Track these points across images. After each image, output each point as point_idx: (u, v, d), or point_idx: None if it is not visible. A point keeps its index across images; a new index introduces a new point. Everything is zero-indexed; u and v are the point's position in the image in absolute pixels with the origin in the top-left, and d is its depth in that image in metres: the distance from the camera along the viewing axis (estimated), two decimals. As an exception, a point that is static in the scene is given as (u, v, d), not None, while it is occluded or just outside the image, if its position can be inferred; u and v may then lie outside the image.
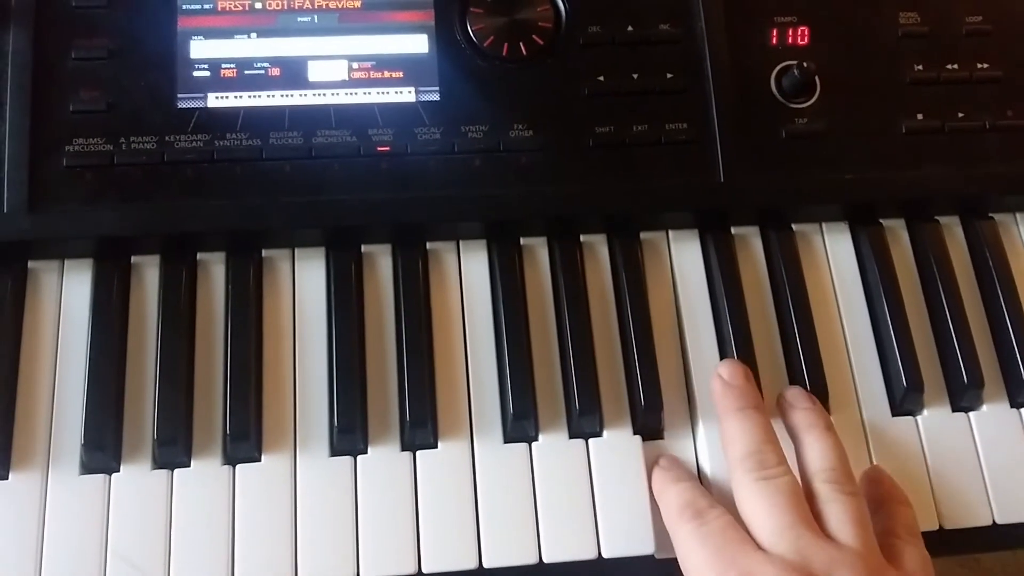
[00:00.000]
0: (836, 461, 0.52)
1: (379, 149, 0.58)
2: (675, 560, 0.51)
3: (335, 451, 0.54)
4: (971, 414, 0.58)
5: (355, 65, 0.59)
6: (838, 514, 0.49)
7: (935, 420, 0.58)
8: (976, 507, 0.56)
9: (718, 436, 0.55)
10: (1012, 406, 0.59)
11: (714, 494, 0.53)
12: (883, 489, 0.54)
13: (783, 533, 0.48)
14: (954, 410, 0.59)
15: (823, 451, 0.52)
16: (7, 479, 0.52)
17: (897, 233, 0.63)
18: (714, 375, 0.56)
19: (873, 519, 0.51)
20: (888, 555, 0.49)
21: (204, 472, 0.53)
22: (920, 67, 0.63)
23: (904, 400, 0.58)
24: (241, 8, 0.59)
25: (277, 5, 0.59)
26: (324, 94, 0.58)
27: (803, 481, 0.52)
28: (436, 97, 0.59)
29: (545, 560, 0.53)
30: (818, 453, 0.52)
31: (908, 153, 0.61)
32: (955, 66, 0.63)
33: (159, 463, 0.53)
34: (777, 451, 0.52)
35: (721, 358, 0.58)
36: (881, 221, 0.63)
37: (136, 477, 0.53)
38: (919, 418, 0.58)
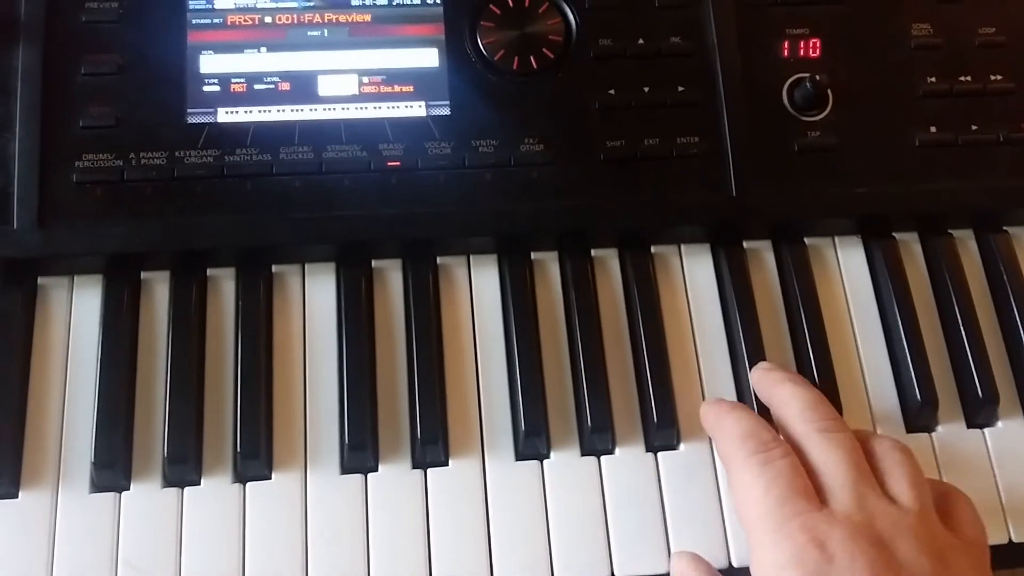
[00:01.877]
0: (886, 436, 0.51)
1: (389, 164, 0.57)
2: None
3: (345, 469, 0.54)
4: (986, 430, 0.58)
5: (365, 79, 0.59)
6: (897, 472, 0.48)
7: (950, 436, 0.58)
8: (992, 525, 0.55)
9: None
10: (1028, 422, 0.59)
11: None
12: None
13: (847, 489, 0.46)
14: (969, 426, 0.58)
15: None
16: (17, 497, 0.52)
17: (911, 247, 0.62)
18: (753, 371, 0.55)
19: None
20: (946, 519, 0.48)
21: (214, 490, 0.53)
22: (933, 79, 0.62)
23: (918, 416, 0.57)
24: (251, 23, 0.59)
25: (287, 19, 0.59)
26: (334, 109, 0.58)
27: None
28: (446, 111, 0.59)
29: (558, 579, 0.53)
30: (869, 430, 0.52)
31: (921, 166, 0.61)
32: (968, 78, 0.63)
33: (169, 481, 0.53)
34: (833, 409, 0.50)
35: (734, 373, 0.58)
36: (894, 235, 0.62)
37: (146, 495, 0.53)
38: (933, 434, 0.58)
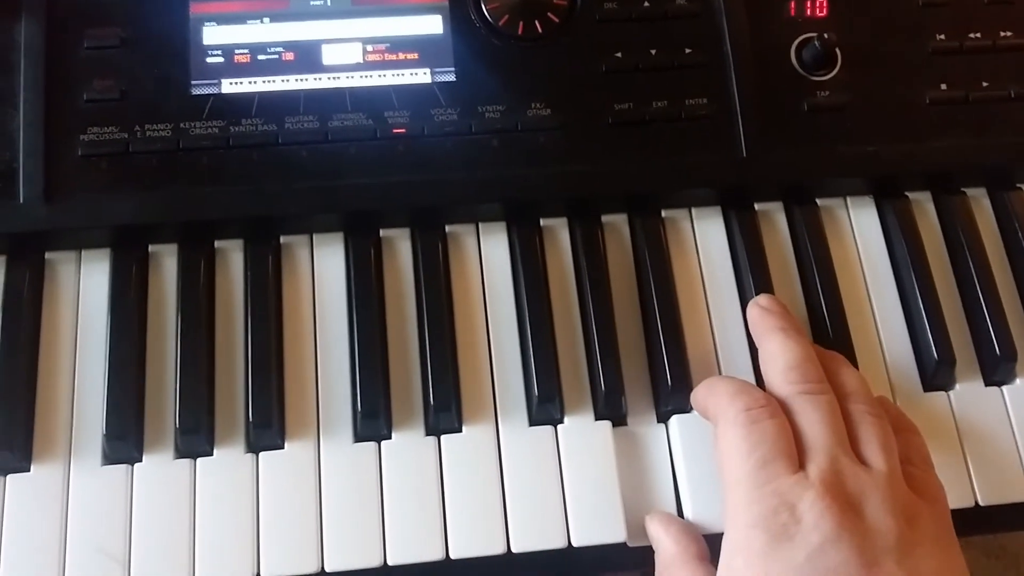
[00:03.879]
0: (866, 387, 0.52)
1: (395, 131, 0.57)
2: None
3: (359, 437, 0.54)
4: (1004, 388, 0.57)
5: (369, 47, 0.58)
6: (869, 437, 0.49)
7: (967, 394, 0.57)
8: (1013, 482, 0.55)
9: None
10: (1046, 378, 0.58)
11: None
12: (894, 418, 0.53)
13: (821, 451, 0.47)
14: (987, 384, 0.58)
15: (857, 378, 0.52)
16: (29, 471, 0.52)
17: (923, 206, 0.62)
18: (750, 305, 0.55)
19: None
20: (909, 482, 0.49)
21: (227, 461, 0.53)
22: (942, 36, 0.62)
23: (936, 375, 0.57)
24: (253, -7, 0.59)
25: (289, -11, 0.59)
26: (339, 77, 0.58)
27: None
28: (452, 78, 0.58)
29: (574, 544, 0.52)
30: (852, 379, 0.52)
31: (932, 124, 0.60)
32: (978, 35, 0.62)
33: (182, 452, 0.53)
34: (819, 369, 0.51)
35: (748, 336, 0.57)
36: (907, 194, 0.62)
37: (159, 467, 0.52)
38: (951, 393, 0.57)
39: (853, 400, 0.50)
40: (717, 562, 0.48)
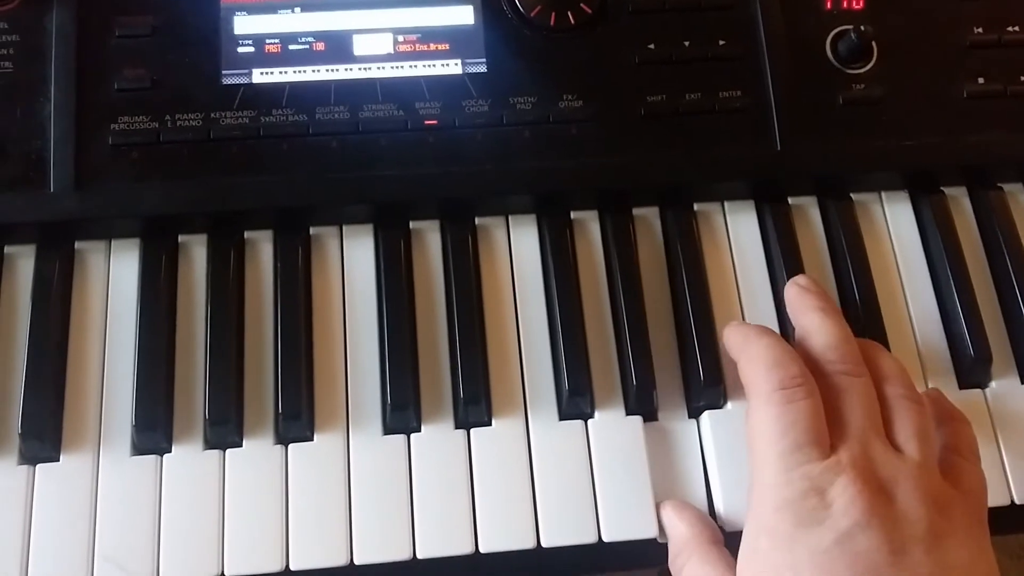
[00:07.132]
0: (904, 373, 0.51)
1: (426, 123, 0.56)
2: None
3: (388, 429, 0.53)
4: (1042, 386, 0.57)
5: (400, 38, 0.58)
6: (904, 423, 0.48)
7: (1004, 391, 0.56)
8: (1047, 480, 0.54)
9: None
10: (1084, 376, 0.57)
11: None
12: (944, 408, 0.53)
13: (855, 435, 0.46)
14: (1023, 381, 0.57)
15: (894, 363, 0.51)
16: (58, 460, 0.52)
17: (959, 201, 0.61)
18: (789, 285, 0.54)
19: (936, 434, 0.50)
20: (947, 471, 0.48)
21: (256, 452, 0.52)
22: (980, 29, 0.61)
23: (972, 372, 0.56)
24: (284, -17, 0.58)
25: (320, -21, 0.58)
26: (370, 68, 0.57)
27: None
28: (483, 69, 0.58)
29: (604, 539, 0.52)
30: (890, 363, 0.51)
31: (969, 118, 0.59)
32: (1016, 28, 0.61)
33: (211, 443, 0.53)
34: (857, 351, 0.50)
35: (780, 331, 0.57)
36: (943, 189, 0.61)
37: (188, 458, 0.52)
38: (987, 390, 0.56)
39: (890, 384, 0.50)
40: (732, 547, 0.48)
